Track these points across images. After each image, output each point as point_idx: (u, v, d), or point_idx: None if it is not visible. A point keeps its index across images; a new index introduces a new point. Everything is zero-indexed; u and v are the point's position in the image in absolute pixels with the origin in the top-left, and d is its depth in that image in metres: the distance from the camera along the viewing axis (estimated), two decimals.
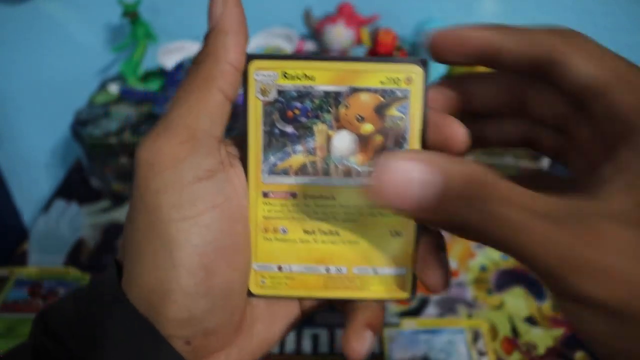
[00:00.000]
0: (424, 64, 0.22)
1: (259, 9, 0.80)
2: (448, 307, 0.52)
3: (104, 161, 0.66)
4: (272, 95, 0.21)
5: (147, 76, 0.74)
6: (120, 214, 0.67)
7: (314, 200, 0.22)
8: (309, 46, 0.77)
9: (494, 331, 0.50)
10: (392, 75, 0.21)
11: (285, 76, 0.21)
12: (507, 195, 0.16)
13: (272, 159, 0.22)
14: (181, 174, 0.19)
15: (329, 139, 0.22)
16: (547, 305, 0.53)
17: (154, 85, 0.71)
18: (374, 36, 0.67)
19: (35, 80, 0.83)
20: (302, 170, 0.22)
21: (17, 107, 0.86)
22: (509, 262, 0.57)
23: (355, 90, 0.21)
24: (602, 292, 0.15)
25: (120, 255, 0.22)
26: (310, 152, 0.22)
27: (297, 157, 0.22)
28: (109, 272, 0.21)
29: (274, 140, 0.22)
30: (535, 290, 0.54)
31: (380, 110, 0.22)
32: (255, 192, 0.22)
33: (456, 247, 0.60)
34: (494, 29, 0.20)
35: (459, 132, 0.21)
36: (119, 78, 0.75)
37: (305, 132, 0.22)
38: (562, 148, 0.22)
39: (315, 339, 0.48)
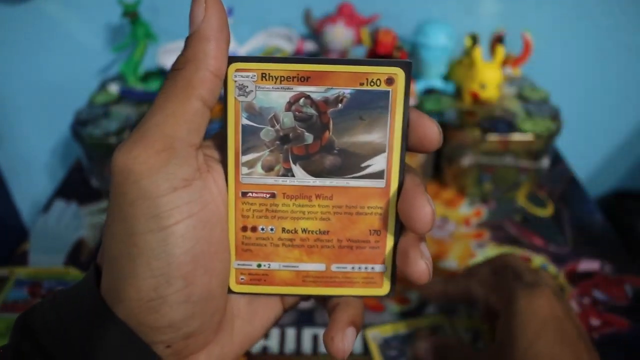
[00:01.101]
0: (405, 66, 0.21)
1: (259, 9, 0.80)
2: (448, 307, 0.52)
3: (104, 161, 0.66)
4: (251, 96, 0.21)
5: (147, 76, 0.74)
6: None
7: (292, 200, 0.22)
8: (309, 46, 0.77)
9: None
10: (372, 77, 0.21)
11: (264, 77, 0.21)
12: None
13: (250, 159, 0.22)
14: (157, 184, 0.19)
15: (308, 140, 0.22)
16: None
17: (154, 85, 0.71)
18: (374, 36, 0.67)
19: (35, 80, 0.83)
20: (280, 171, 0.22)
21: (17, 107, 0.86)
22: None
23: (334, 92, 0.21)
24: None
25: (99, 260, 0.22)
26: (289, 152, 0.22)
27: (276, 157, 0.22)
28: (89, 280, 0.21)
29: (253, 141, 0.22)
30: None
31: (360, 112, 0.22)
32: (234, 192, 0.22)
33: (456, 247, 0.60)
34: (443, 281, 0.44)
35: (433, 131, 0.22)
36: (119, 78, 0.75)
37: (284, 133, 0.22)
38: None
39: (315, 339, 0.48)
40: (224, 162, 0.22)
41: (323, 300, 0.25)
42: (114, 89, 0.72)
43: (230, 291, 0.23)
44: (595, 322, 0.50)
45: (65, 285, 0.54)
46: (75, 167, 0.77)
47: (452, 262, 0.57)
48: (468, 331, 0.49)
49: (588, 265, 0.57)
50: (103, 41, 0.80)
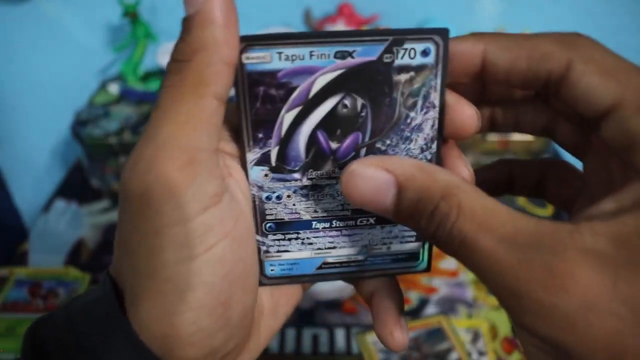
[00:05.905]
0: (443, 35, 0.18)
1: (259, 9, 0.80)
2: (448, 307, 0.52)
3: (104, 161, 0.66)
4: (267, 81, 0.18)
5: (147, 76, 0.74)
6: None
7: (316, 191, 0.21)
8: None
9: (494, 331, 0.50)
10: (406, 47, 0.18)
11: (280, 58, 0.18)
12: (472, 212, 0.15)
13: (270, 151, 0.20)
14: (185, 206, 0.16)
15: (331, 124, 0.19)
16: None
17: (154, 85, 0.71)
18: None
19: (35, 80, 0.83)
20: (302, 160, 0.20)
21: (17, 107, 0.86)
22: None
23: (361, 67, 0.18)
24: (553, 334, 0.14)
25: (112, 270, 0.19)
26: (311, 140, 0.20)
27: (298, 146, 0.20)
28: (109, 302, 0.18)
29: (272, 131, 0.19)
30: None
31: (390, 89, 0.19)
32: (255, 188, 0.20)
33: None
34: (481, 37, 0.18)
35: (469, 116, 0.19)
36: (119, 78, 0.75)
37: (305, 119, 0.19)
38: (582, 146, 0.20)
39: (315, 339, 0.48)
40: (241, 156, 0.20)
41: (352, 281, 0.23)
42: (114, 89, 0.72)
43: (260, 283, 0.21)
44: None
45: (66, 286, 0.54)
46: (75, 167, 0.77)
47: (452, 262, 0.57)
48: (468, 331, 0.49)
49: None
50: (103, 41, 0.80)
